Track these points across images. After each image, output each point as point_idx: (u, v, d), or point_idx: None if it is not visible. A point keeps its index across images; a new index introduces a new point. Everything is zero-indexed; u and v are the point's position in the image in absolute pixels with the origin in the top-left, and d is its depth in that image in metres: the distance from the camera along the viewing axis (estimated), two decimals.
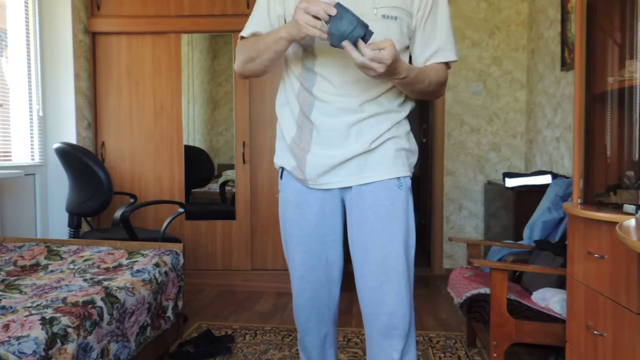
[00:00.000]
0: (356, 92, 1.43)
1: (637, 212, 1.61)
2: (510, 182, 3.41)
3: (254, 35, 1.50)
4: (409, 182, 1.52)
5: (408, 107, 1.53)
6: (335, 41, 1.24)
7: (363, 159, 1.46)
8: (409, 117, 1.56)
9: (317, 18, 1.23)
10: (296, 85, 1.50)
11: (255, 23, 1.52)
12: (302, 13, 1.25)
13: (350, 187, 1.49)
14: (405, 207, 1.49)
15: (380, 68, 1.23)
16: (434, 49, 1.46)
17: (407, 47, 1.49)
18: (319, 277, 1.56)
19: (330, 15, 1.22)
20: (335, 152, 1.45)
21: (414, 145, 1.56)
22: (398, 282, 1.47)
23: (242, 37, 1.54)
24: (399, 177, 1.48)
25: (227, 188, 4.10)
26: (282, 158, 1.57)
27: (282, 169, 1.58)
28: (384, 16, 1.39)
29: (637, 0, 1.78)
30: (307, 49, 1.45)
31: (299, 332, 1.65)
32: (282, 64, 1.56)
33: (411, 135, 1.56)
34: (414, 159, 1.56)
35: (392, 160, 1.47)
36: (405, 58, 1.49)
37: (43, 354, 1.40)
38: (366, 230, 1.48)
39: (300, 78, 1.49)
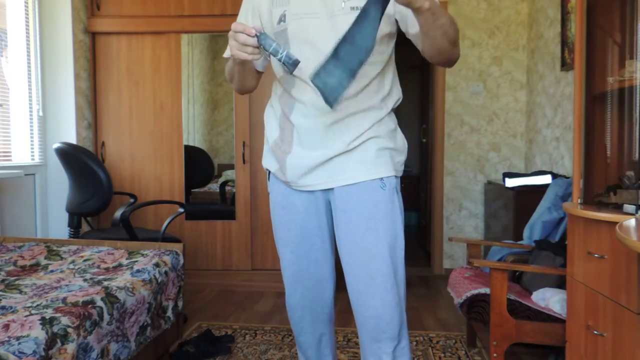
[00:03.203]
0: None
1: (637, 212, 1.61)
2: (510, 182, 3.41)
3: None
4: (393, 181, 1.48)
5: (391, 103, 1.49)
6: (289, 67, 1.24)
7: (343, 159, 1.45)
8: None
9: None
10: (279, 89, 1.53)
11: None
12: (232, 40, 1.25)
13: (332, 189, 1.48)
14: (389, 208, 1.46)
15: None
16: None
17: (389, 35, 1.42)
18: (310, 277, 1.57)
19: (258, 37, 1.22)
20: (314, 153, 1.44)
21: (400, 143, 1.52)
22: (383, 285, 1.44)
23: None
24: (381, 178, 1.46)
25: (227, 188, 4.10)
26: (267, 160, 1.59)
27: (269, 171, 1.60)
28: (352, 8, 1.35)
29: (637, 0, 1.78)
30: None
31: (293, 331, 1.66)
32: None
33: (398, 133, 1.52)
34: (401, 157, 1.53)
35: (373, 160, 1.45)
36: (388, 46, 1.44)
37: (43, 354, 1.40)
38: (350, 232, 1.47)
39: (282, 81, 1.51)
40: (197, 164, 4.03)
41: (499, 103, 4.28)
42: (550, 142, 3.64)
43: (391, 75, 1.49)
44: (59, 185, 3.39)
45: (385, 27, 1.39)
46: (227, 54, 1.52)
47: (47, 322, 1.49)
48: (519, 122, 4.26)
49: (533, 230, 2.76)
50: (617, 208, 1.74)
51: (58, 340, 1.48)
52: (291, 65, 1.22)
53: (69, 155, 2.96)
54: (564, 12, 3.30)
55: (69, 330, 1.53)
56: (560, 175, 3.17)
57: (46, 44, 3.47)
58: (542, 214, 2.76)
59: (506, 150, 4.29)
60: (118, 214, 3.12)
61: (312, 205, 1.52)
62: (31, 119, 3.37)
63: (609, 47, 1.97)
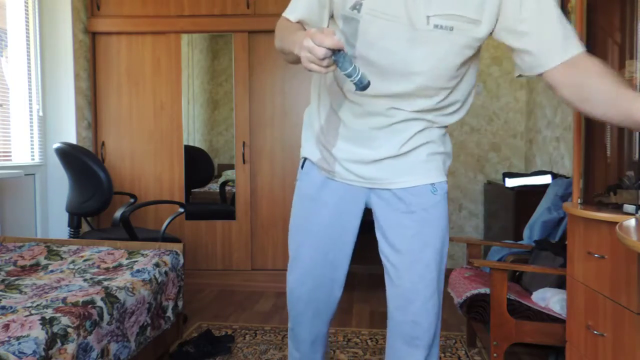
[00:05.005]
0: (391, 99, 1.31)
1: (637, 212, 1.61)
2: (510, 182, 3.41)
3: (300, 22, 1.36)
4: (445, 187, 1.43)
5: (452, 120, 1.40)
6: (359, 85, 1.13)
7: (394, 162, 1.38)
8: None
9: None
10: (329, 75, 1.40)
11: (303, 10, 1.35)
12: (305, 52, 1.10)
13: (377, 190, 1.42)
14: (439, 214, 1.41)
15: None
16: (559, 42, 1.21)
17: (471, 58, 1.31)
18: (323, 275, 1.51)
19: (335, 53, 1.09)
20: (362, 151, 1.38)
21: (449, 147, 1.47)
22: (424, 291, 1.39)
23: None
24: (433, 183, 1.40)
25: (227, 188, 4.10)
26: (306, 148, 1.49)
27: (305, 159, 1.50)
28: (436, 26, 1.22)
29: (637, 0, 1.78)
30: (348, 39, 1.31)
31: (290, 321, 1.58)
32: None
33: (447, 137, 1.47)
34: (450, 161, 1.48)
35: (424, 165, 1.39)
36: (469, 72, 1.34)
37: (43, 354, 1.40)
38: (397, 235, 1.41)
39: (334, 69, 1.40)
40: (197, 164, 4.03)
41: (499, 103, 4.28)
42: (550, 142, 3.64)
43: (462, 100, 1.39)
44: (59, 185, 3.39)
45: (466, 52, 1.28)
46: (292, 16, 1.36)
47: (47, 322, 1.49)
48: (519, 122, 4.26)
49: (533, 230, 2.76)
50: (617, 208, 1.74)
51: (58, 340, 1.48)
52: (361, 88, 1.13)
53: (69, 155, 2.96)
54: (564, 12, 3.30)
55: (69, 330, 1.53)
56: (560, 175, 3.17)
57: (46, 44, 3.47)
58: (542, 214, 2.76)
59: (506, 150, 4.29)
60: (118, 214, 3.12)
61: (345, 204, 1.45)
62: (31, 119, 3.37)
63: (609, 47, 1.97)
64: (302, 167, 1.52)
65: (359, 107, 1.36)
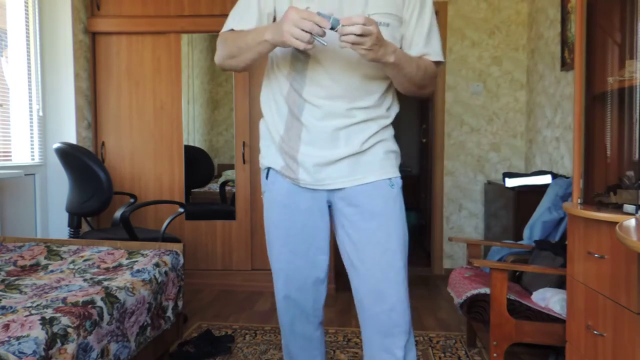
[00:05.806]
0: (346, 99, 1.43)
1: (637, 212, 1.61)
2: (510, 182, 3.41)
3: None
4: (400, 182, 1.54)
5: (393, 113, 1.55)
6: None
7: (354, 160, 1.47)
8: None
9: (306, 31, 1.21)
10: (285, 86, 1.48)
11: (246, 20, 1.46)
12: (291, 25, 1.21)
13: (338, 190, 1.50)
14: (399, 205, 1.52)
15: (369, 40, 1.21)
16: (420, 51, 1.47)
17: None
18: (306, 278, 1.57)
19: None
20: (324, 152, 1.45)
21: (398, 148, 1.59)
22: (396, 279, 1.48)
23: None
24: (390, 178, 1.51)
25: (227, 188, 4.10)
26: (268, 158, 1.56)
27: (268, 169, 1.57)
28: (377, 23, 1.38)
29: (637, 0, 1.78)
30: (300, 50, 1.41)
31: (283, 336, 1.65)
32: (267, 60, 1.54)
33: (394, 139, 1.59)
34: (400, 160, 1.59)
35: (382, 162, 1.50)
36: None
37: (43, 354, 1.40)
38: (361, 228, 1.49)
39: (289, 78, 1.47)
40: (197, 164, 4.03)
41: (499, 103, 4.28)
42: (550, 142, 3.64)
43: (394, 88, 1.54)
44: (59, 185, 3.39)
45: (396, 44, 1.43)
46: (231, 25, 1.48)
47: (47, 322, 1.49)
48: (519, 122, 4.26)
49: (533, 230, 2.76)
50: (617, 208, 1.74)
51: (58, 340, 1.48)
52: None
53: (69, 155, 2.96)
54: (564, 12, 3.30)
55: (69, 330, 1.53)
56: (560, 175, 3.17)
57: (46, 44, 3.47)
58: (542, 214, 2.76)
59: (506, 150, 4.29)
60: (118, 214, 3.12)
61: (315, 204, 1.53)
62: (31, 119, 3.37)
63: (609, 47, 1.97)
64: (267, 177, 1.57)
65: (318, 110, 1.44)
